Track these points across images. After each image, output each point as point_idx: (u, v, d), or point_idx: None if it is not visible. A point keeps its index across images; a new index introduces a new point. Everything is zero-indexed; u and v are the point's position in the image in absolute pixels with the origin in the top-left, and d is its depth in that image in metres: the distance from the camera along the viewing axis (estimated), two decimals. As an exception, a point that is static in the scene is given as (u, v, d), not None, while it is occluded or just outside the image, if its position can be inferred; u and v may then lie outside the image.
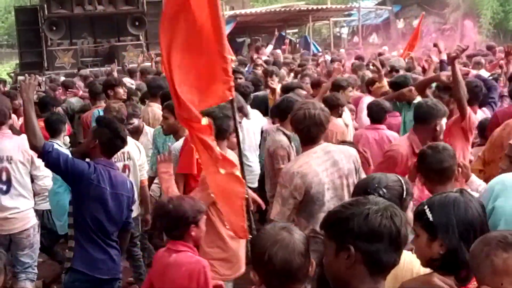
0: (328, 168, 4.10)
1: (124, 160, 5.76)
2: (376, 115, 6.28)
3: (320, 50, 25.93)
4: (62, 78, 13.35)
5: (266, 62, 12.64)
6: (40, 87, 10.40)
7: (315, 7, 26.85)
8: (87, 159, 4.42)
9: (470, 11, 31.32)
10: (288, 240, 2.47)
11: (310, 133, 4.19)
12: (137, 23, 17.46)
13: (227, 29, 23.46)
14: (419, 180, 4.00)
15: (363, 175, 4.21)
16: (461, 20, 31.71)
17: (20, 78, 9.29)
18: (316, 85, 8.09)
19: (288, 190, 4.07)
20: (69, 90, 10.06)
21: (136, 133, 6.60)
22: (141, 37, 17.89)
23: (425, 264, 2.59)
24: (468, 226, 2.50)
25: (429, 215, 2.54)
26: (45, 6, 16.85)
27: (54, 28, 16.92)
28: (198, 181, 4.79)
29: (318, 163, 4.09)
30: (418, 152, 4.09)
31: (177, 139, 5.46)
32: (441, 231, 2.51)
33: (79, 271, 4.26)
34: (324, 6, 27.56)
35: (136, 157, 5.91)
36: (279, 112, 5.91)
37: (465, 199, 2.58)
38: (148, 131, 6.67)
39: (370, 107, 6.43)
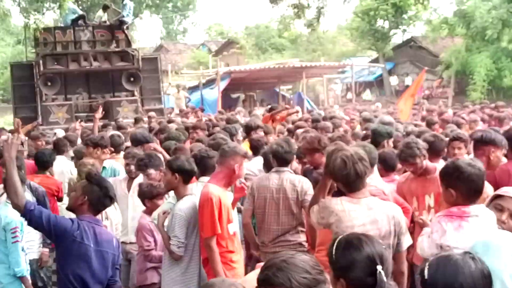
0: (366, 224, 3.95)
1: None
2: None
3: (314, 106, 26.11)
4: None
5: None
6: (23, 146, 10.31)
7: (309, 64, 27.15)
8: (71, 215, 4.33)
9: (462, 69, 31.73)
10: None
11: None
12: (132, 79, 17.57)
13: (221, 85, 23.68)
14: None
15: (404, 238, 4.12)
16: (454, 78, 32.16)
17: (3, 137, 9.39)
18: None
19: (323, 220, 4.07)
20: None
21: None
22: (135, 93, 17.99)
23: None
24: None
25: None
26: (41, 62, 16.94)
27: (49, 84, 16.94)
28: (224, 238, 4.98)
29: (357, 217, 3.97)
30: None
31: (178, 197, 5.24)
32: None
33: (62, 331, 4.13)
34: (318, 63, 27.90)
35: (113, 216, 5.83)
36: None
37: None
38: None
39: None
